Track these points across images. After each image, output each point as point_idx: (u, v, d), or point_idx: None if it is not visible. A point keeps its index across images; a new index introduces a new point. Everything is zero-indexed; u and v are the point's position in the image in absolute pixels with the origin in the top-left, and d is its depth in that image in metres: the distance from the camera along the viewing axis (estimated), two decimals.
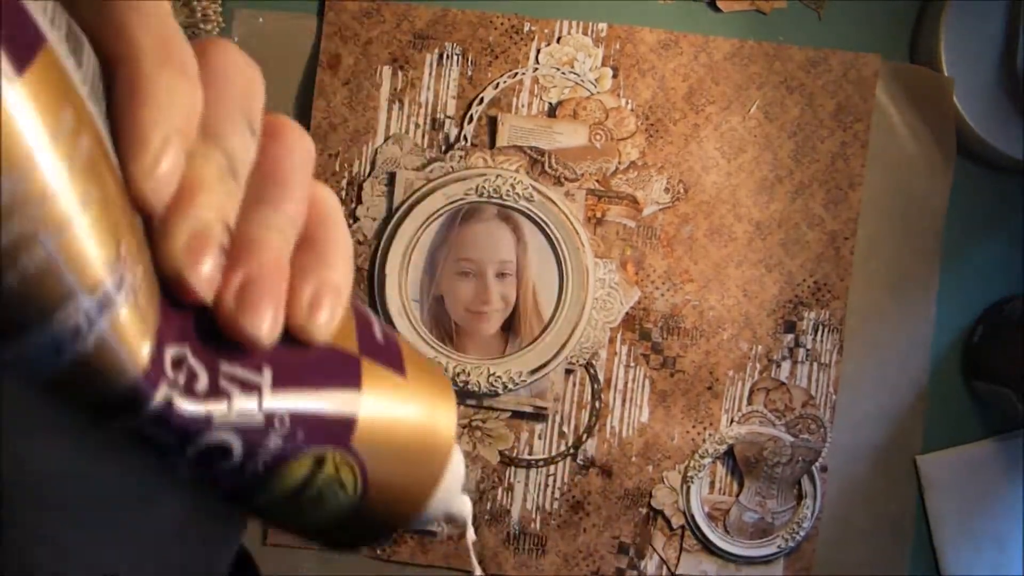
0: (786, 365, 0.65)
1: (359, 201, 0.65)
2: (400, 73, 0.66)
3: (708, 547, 0.65)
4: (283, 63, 0.67)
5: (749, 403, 0.65)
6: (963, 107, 0.64)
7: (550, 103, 0.65)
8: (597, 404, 0.65)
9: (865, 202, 0.66)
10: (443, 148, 0.66)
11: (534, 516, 0.66)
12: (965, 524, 0.66)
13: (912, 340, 0.66)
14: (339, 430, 0.20)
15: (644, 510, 0.66)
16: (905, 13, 0.67)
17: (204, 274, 0.17)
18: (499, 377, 0.63)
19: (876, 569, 0.66)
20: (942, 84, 0.64)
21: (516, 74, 0.65)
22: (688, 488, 0.65)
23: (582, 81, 0.65)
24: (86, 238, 0.15)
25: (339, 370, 0.20)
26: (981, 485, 0.66)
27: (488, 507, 0.66)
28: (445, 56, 0.66)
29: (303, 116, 0.66)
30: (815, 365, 0.65)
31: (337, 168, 0.66)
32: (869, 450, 0.66)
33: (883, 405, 0.66)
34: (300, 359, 0.19)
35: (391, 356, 0.22)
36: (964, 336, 0.67)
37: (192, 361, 0.17)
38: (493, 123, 0.65)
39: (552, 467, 0.66)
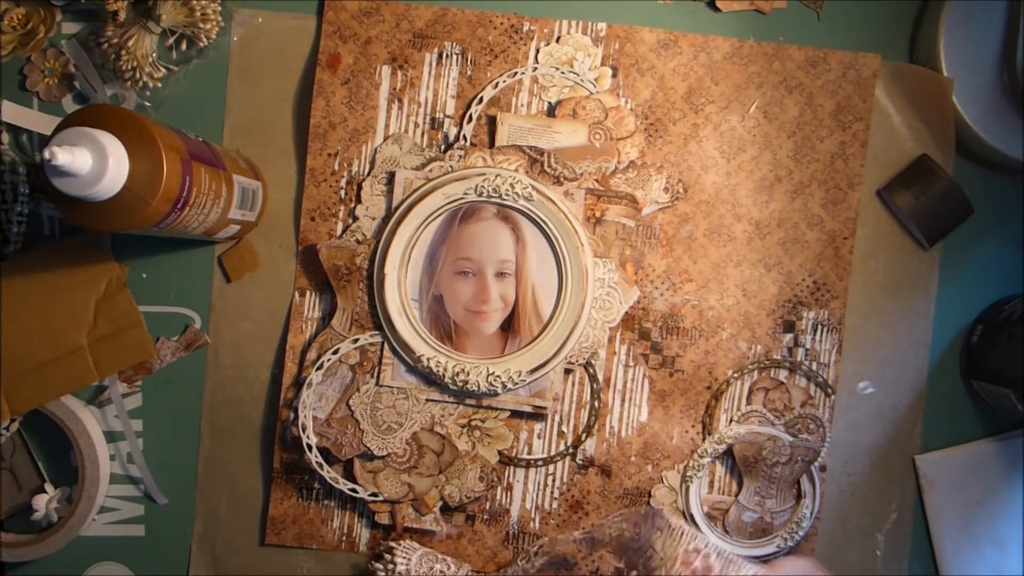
0: (785, 365, 0.65)
1: (358, 200, 0.65)
2: (399, 72, 0.66)
3: None
4: (283, 63, 0.67)
5: (748, 403, 0.65)
6: (963, 107, 0.64)
7: (549, 103, 0.65)
8: (596, 404, 0.65)
9: (865, 202, 0.66)
10: (442, 147, 0.66)
11: (533, 515, 0.66)
12: (965, 524, 0.66)
13: (912, 340, 0.66)
14: None
15: (643, 509, 0.66)
16: (905, 13, 0.67)
17: None
18: (498, 376, 0.63)
19: (876, 569, 0.66)
20: (942, 84, 0.64)
21: (515, 73, 0.65)
22: (687, 488, 0.65)
23: (581, 81, 0.65)
24: None
25: None
26: (981, 485, 0.66)
27: (487, 506, 0.66)
28: (444, 55, 0.65)
29: (302, 116, 0.66)
30: (814, 364, 0.65)
31: (336, 167, 0.66)
32: (869, 450, 0.66)
33: (883, 405, 0.66)
34: None
35: None
36: (964, 336, 0.67)
37: None
38: (492, 122, 0.65)
39: (551, 466, 0.66)
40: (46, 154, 0.48)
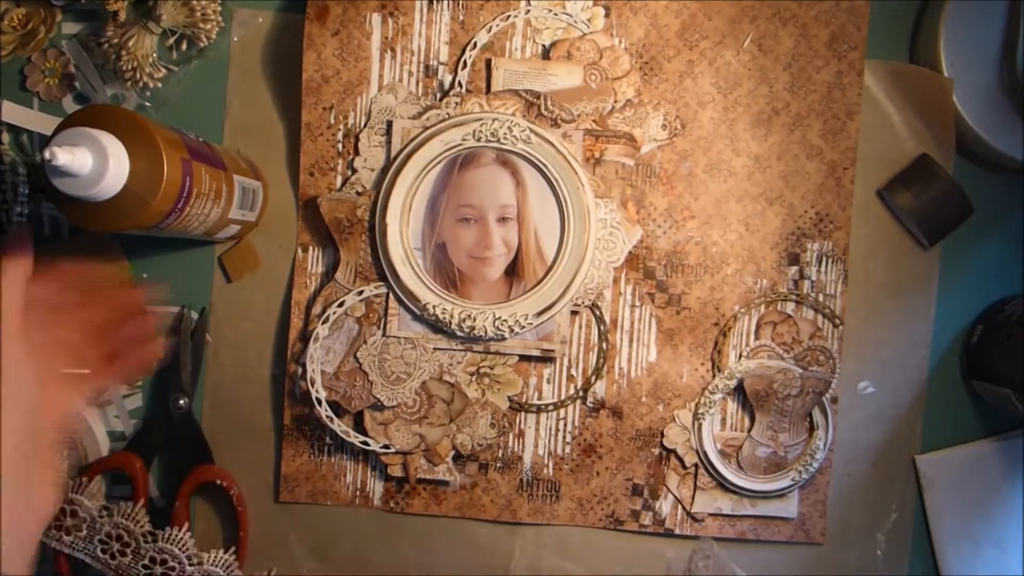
0: (791, 298, 0.65)
1: (356, 153, 0.65)
2: (390, 20, 0.65)
3: (722, 484, 0.65)
4: (283, 63, 0.66)
5: (757, 337, 0.65)
6: (963, 107, 0.64)
7: (543, 45, 0.65)
8: (604, 345, 0.65)
9: (865, 201, 0.66)
10: (438, 95, 0.65)
11: (546, 461, 0.66)
12: (965, 524, 0.66)
13: (912, 340, 0.66)
14: None
15: (656, 450, 0.65)
16: (905, 13, 0.66)
17: None
18: (505, 321, 0.62)
19: (877, 569, 0.66)
20: (942, 84, 0.63)
21: (508, 16, 0.65)
22: (699, 426, 0.65)
23: (574, 22, 0.65)
24: None
25: None
26: (981, 485, 0.66)
27: (500, 454, 0.65)
28: (435, 0, 0.65)
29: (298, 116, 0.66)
30: (821, 296, 0.65)
31: (332, 121, 0.65)
32: (869, 450, 0.66)
33: (883, 405, 0.66)
34: None
35: None
36: (963, 336, 0.67)
37: None
38: (487, 68, 0.64)
39: (562, 411, 0.65)
40: (46, 154, 0.47)
